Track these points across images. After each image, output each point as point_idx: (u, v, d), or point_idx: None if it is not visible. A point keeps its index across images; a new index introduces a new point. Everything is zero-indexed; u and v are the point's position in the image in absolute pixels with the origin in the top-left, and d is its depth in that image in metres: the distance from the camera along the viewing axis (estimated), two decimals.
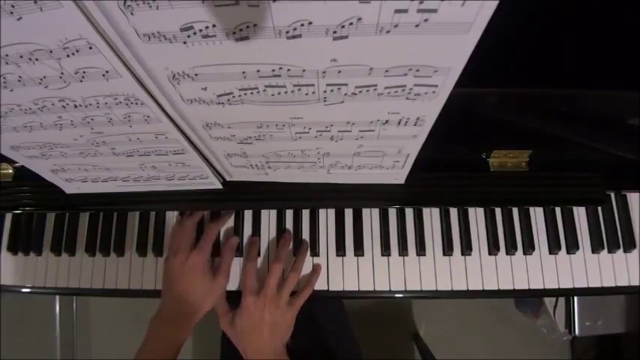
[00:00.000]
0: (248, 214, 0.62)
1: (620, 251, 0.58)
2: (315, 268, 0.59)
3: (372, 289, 0.59)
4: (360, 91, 0.34)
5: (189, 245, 0.55)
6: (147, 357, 0.52)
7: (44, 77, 0.34)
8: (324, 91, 0.34)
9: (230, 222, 0.62)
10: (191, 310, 0.54)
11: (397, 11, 0.25)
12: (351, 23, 0.26)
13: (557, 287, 0.57)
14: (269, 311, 0.53)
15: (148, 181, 0.55)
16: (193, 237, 0.57)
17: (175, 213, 0.63)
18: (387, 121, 0.39)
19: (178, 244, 0.56)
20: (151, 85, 0.35)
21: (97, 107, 0.38)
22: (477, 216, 0.60)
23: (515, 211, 0.60)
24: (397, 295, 0.58)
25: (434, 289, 0.58)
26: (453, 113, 0.36)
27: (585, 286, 0.57)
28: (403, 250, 0.59)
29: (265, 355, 0.53)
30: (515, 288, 0.58)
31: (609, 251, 0.58)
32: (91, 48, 0.30)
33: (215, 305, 0.57)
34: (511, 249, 0.58)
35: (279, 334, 0.54)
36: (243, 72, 0.32)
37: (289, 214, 0.61)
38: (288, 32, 0.27)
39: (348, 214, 0.61)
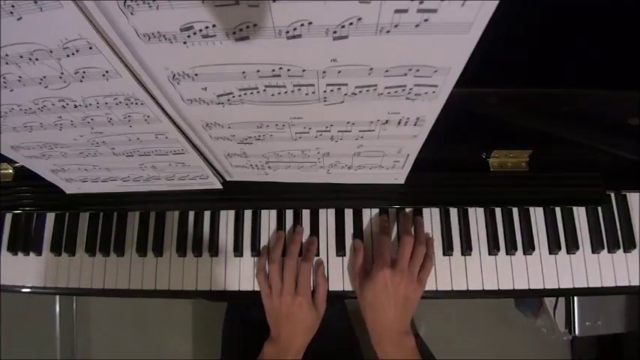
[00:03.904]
0: (248, 214, 0.62)
1: (620, 251, 0.58)
2: (429, 242, 0.58)
3: None
4: (360, 91, 0.34)
5: (293, 288, 0.57)
6: None
7: (44, 77, 0.34)
8: (324, 91, 0.34)
9: (230, 222, 0.62)
10: (305, 337, 0.57)
11: (397, 11, 0.25)
12: (351, 23, 0.26)
13: (557, 287, 0.57)
14: (404, 285, 0.53)
15: (148, 181, 0.55)
16: (295, 277, 0.57)
17: (175, 213, 0.63)
18: (387, 121, 0.39)
19: (283, 284, 0.57)
20: (150, 85, 0.35)
21: (97, 107, 0.38)
22: (477, 216, 0.60)
23: (515, 211, 0.60)
24: None
25: (434, 289, 0.58)
26: (453, 113, 0.36)
27: (585, 286, 0.57)
28: None
29: (394, 330, 0.53)
30: (515, 288, 0.57)
31: (609, 251, 0.58)
32: (91, 48, 0.30)
33: (354, 259, 0.58)
34: (511, 249, 0.58)
35: (408, 310, 0.54)
36: (243, 72, 0.32)
37: (289, 214, 0.61)
38: (288, 32, 0.27)
39: (348, 214, 0.61)
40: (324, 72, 0.31)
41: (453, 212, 0.60)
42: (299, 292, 0.56)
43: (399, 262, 0.54)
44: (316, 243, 0.60)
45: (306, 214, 0.61)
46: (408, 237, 0.55)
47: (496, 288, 0.58)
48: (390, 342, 0.54)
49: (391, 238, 0.58)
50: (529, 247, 0.58)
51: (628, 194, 0.60)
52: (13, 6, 0.26)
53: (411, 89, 0.33)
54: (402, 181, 0.54)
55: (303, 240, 0.61)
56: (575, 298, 0.96)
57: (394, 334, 0.54)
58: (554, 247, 0.58)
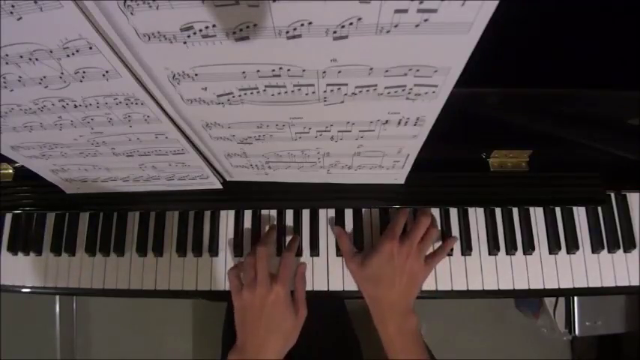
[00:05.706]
0: (248, 214, 0.62)
1: (620, 251, 0.58)
2: (452, 240, 0.57)
3: None
4: (360, 91, 0.34)
5: (268, 277, 0.50)
6: None
7: (44, 77, 0.34)
8: (324, 91, 0.34)
9: (230, 222, 0.62)
10: (278, 346, 0.49)
11: (397, 11, 0.25)
12: (351, 23, 0.26)
13: (557, 287, 0.57)
14: (411, 259, 0.51)
15: (148, 181, 0.55)
16: (270, 267, 0.52)
17: (175, 213, 0.62)
18: (387, 121, 0.39)
19: (255, 275, 0.50)
20: (150, 85, 0.35)
21: (97, 107, 0.38)
22: (477, 216, 0.60)
23: (515, 211, 0.60)
24: None
25: (434, 289, 0.58)
26: (453, 113, 0.36)
27: (585, 286, 0.57)
28: None
29: (397, 307, 0.51)
30: (515, 288, 0.57)
31: (609, 251, 0.58)
32: (91, 48, 0.30)
33: (340, 244, 0.56)
34: (511, 249, 0.58)
35: (413, 288, 0.52)
36: (243, 72, 0.32)
37: (289, 214, 0.61)
38: (288, 32, 0.27)
39: (348, 214, 0.61)
40: (324, 72, 0.31)
41: (453, 212, 0.60)
42: (277, 281, 0.49)
43: (409, 236, 0.52)
44: (298, 238, 0.58)
45: (306, 214, 0.61)
46: (425, 216, 0.54)
47: (496, 288, 0.58)
48: (392, 320, 0.51)
49: (405, 220, 0.56)
50: (529, 247, 0.58)
51: (628, 194, 0.60)
52: (13, 6, 0.26)
53: (411, 89, 0.33)
54: (402, 181, 0.54)
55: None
56: (575, 298, 0.96)
57: (397, 311, 0.51)
58: (554, 247, 0.58)
